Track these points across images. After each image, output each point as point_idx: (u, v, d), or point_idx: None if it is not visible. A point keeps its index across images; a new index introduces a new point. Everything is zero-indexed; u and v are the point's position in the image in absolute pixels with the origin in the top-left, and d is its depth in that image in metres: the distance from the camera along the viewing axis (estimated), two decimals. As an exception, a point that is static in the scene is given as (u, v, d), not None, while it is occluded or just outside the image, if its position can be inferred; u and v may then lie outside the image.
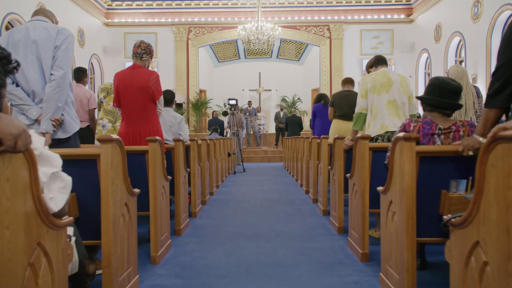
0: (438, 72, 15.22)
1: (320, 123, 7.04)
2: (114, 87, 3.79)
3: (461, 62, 14.44)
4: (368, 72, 4.13)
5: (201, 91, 19.25)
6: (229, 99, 10.93)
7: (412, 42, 17.52)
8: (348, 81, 5.71)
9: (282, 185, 8.08)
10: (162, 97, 3.83)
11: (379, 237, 3.69)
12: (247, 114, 16.98)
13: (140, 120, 3.71)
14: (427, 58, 16.60)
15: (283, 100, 20.54)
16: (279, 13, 18.00)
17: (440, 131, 2.36)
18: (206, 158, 6.02)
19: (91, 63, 16.75)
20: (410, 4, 17.68)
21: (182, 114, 18.13)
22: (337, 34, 18.38)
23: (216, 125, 14.56)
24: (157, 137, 3.05)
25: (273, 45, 18.87)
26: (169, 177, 3.42)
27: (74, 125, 2.84)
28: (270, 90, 21.84)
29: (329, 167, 4.36)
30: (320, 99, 7.12)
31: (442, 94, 2.44)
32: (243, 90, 21.62)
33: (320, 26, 18.42)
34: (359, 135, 3.13)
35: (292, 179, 9.09)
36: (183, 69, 18.39)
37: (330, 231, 4.10)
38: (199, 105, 18.21)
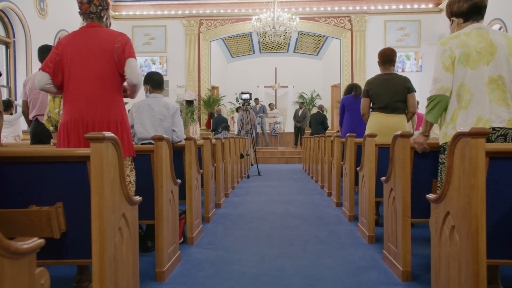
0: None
1: (350, 117, 5.69)
2: (56, 52, 2.49)
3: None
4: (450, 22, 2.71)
5: (213, 87, 18.08)
6: (242, 93, 9.62)
7: (442, 33, 16.05)
8: (388, 59, 4.27)
9: (305, 193, 6.71)
10: (128, 62, 2.52)
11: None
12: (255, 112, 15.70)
13: (97, 101, 2.42)
14: (460, 50, 15.10)
15: (301, 96, 19.20)
16: (296, 4, 16.77)
17: None
18: (211, 162, 4.70)
19: (97, 58, 15.74)
20: (439, -8, 16.29)
21: (192, 112, 16.93)
22: (359, 25, 17.11)
23: (222, 123, 13.32)
24: (106, 133, 1.73)
25: (290, 37, 17.55)
26: (138, 199, 2.10)
27: None
28: (287, 86, 20.51)
29: (383, 178, 3.00)
30: (350, 90, 5.78)
31: None
32: (258, 86, 20.34)
33: (341, 17, 17.18)
34: (463, 129, 1.76)
35: (315, 185, 7.72)
36: (194, 64, 17.32)
37: (390, 276, 2.72)
38: (211, 102, 17.07)
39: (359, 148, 4.53)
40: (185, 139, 3.56)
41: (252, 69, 20.72)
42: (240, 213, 5.03)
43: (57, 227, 1.76)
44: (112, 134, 1.79)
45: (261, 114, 15.02)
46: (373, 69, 16.62)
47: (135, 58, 2.54)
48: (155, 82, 3.68)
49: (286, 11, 14.98)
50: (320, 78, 20.49)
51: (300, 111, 15.47)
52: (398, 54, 16.91)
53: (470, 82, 2.40)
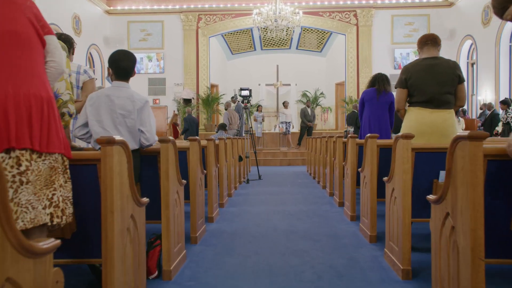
0: (486, 61, 12.91)
1: (369, 114, 4.83)
2: None
3: (519, 49, 12.25)
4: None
5: (212, 85, 17.27)
6: (241, 89, 8.75)
7: (452, 28, 15.23)
8: (430, 39, 3.42)
9: (312, 202, 5.84)
10: (54, 39, 1.71)
11: None
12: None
13: (8, 66, 1.66)
14: (471, 45, 14.29)
15: (304, 95, 18.36)
16: (299, -2, 15.92)
17: None
18: (200, 168, 3.85)
19: (90, 54, 15.01)
20: (450, -15, 15.49)
21: (190, 111, 16.09)
22: (365, 20, 16.31)
23: (194, 124, 12.51)
24: None
25: (293, 32, 16.70)
26: (47, 246, 1.24)
27: None
28: (289, 84, 19.66)
29: (431, 197, 2.14)
30: (373, 83, 4.87)
31: None
32: (259, 84, 19.49)
33: (346, 12, 16.38)
34: None
35: (322, 192, 6.85)
36: (193, 61, 16.52)
37: None
38: (210, 101, 16.28)
39: (382, 152, 3.68)
40: (161, 142, 2.71)
41: (253, 67, 19.88)
42: (236, 230, 4.17)
43: None
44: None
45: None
46: (380, 66, 15.78)
47: (51, 31, 1.77)
48: (120, 70, 2.80)
49: (289, 5, 14.13)
50: (323, 76, 19.67)
51: (309, 110, 14.59)
52: (405, 51, 16.26)
53: None
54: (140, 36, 16.68)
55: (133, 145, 2.72)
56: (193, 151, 3.64)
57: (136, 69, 3.01)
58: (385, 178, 3.05)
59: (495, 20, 12.53)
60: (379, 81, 4.81)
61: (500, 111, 10.92)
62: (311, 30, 17.59)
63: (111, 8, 16.31)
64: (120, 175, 1.88)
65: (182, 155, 3.76)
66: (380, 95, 4.70)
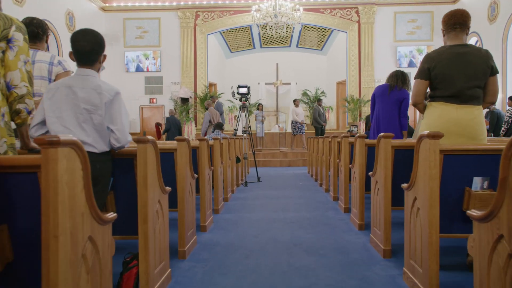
0: (494, 58, 12.45)
1: (379, 110, 4.38)
2: None
3: (525, 44, 11.81)
4: None
5: (210, 84, 16.82)
6: (239, 86, 8.27)
7: (457, 25, 14.73)
8: (459, 21, 2.95)
9: (315, 207, 5.38)
10: None
11: None
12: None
13: None
14: (477, 42, 13.84)
15: (304, 94, 17.89)
16: (300, -6, 15.51)
17: None
18: (189, 173, 3.39)
19: (84, 52, 14.54)
20: (453, -19, 15.07)
21: (187, 111, 15.64)
22: (367, 17, 15.89)
23: (176, 125, 12.06)
24: None
25: (293, 29, 16.26)
26: None
27: None
28: (289, 83, 19.20)
29: (475, 213, 1.68)
30: (388, 79, 4.44)
31: None
32: (259, 83, 19.04)
33: (348, 9, 15.95)
34: None
35: (325, 195, 6.39)
36: (190, 59, 16.08)
37: None
38: (208, 100, 15.75)
39: (396, 154, 3.23)
40: (137, 142, 2.25)
41: (252, 65, 19.44)
42: (231, 241, 3.70)
43: None
44: None
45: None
46: (382, 65, 15.36)
47: None
48: (78, 53, 2.30)
49: (289, 1, 13.68)
50: (324, 75, 19.24)
51: (321, 109, 14.05)
52: (408, 49, 15.82)
53: None
54: (137, 33, 16.26)
55: (102, 147, 2.26)
56: (181, 152, 3.18)
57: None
58: (404, 185, 2.59)
59: (502, 16, 12.09)
60: (393, 75, 4.37)
61: (507, 107, 10.47)
62: (312, 27, 17.17)
63: (107, 4, 15.90)
64: (70, 186, 1.42)
65: (169, 157, 3.31)
66: (392, 90, 4.25)
